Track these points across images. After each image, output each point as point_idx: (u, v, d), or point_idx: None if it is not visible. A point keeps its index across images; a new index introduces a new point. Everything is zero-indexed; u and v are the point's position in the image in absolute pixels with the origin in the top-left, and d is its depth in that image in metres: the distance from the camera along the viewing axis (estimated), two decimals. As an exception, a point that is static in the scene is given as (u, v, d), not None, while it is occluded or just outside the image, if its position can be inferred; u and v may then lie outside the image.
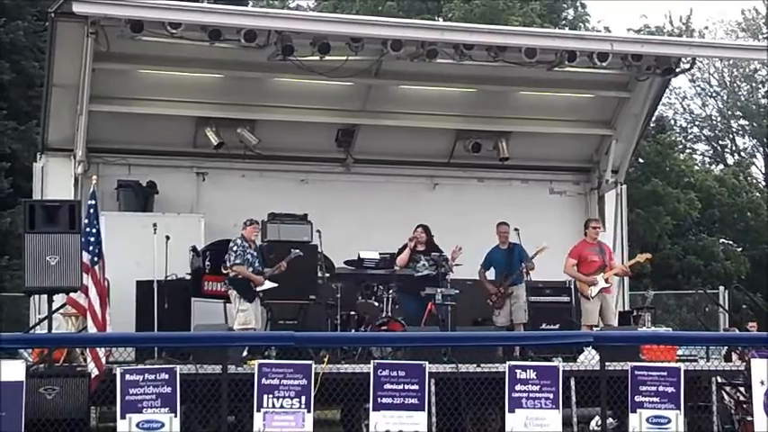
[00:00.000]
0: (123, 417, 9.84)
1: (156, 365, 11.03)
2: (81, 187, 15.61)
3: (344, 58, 15.69)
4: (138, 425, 9.81)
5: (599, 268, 15.39)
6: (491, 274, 15.87)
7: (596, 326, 15.10)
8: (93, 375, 11.84)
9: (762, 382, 10.64)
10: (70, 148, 16.04)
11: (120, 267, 14.23)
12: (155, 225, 15.14)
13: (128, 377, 9.94)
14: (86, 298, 12.38)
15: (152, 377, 9.96)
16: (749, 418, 12.68)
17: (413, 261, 15.50)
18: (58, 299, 12.83)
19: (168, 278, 15.01)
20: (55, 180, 16.19)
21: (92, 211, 12.79)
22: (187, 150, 17.46)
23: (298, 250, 14.61)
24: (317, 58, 15.55)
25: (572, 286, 16.63)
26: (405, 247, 15.68)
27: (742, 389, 14.98)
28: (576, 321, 15.77)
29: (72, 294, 12.55)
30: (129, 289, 15.00)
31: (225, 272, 14.47)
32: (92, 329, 12.24)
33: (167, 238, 14.94)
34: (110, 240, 13.53)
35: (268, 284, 14.25)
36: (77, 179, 15.82)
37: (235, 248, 14.36)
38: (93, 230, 12.62)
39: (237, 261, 14.28)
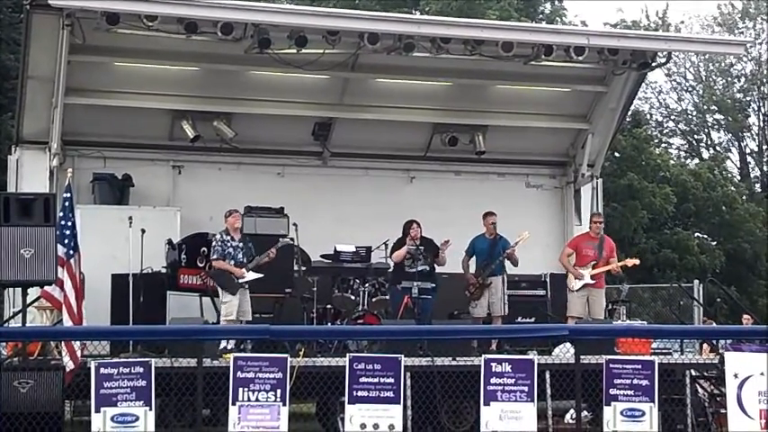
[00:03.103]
0: (98, 410, 9.81)
1: (131, 359, 11.01)
2: (56, 180, 15.54)
3: (321, 51, 15.66)
4: (112, 418, 9.78)
5: (589, 263, 15.43)
6: (473, 263, 15.86)
7: (579, 318, 15.15)
8: (68, 369, 11.79)
9: (735, 375, 10.72)
10: (45, 140, 15.94)
11: (96, 261, 14.19)
12: (130, 218, 15.10)
13: (102, 371, 9.90)
14: (61, 291, 12.32)
15: (127, 371, 9.93)
16: (722, 411, 12.76)
17: (407, 259, 15.40)
18: (33, 292, 12.78)
19: (144, 271, 14.97)
20: (30, 173, 16.09)
21: (67, 204, 12.73)
22: (163, 143, 17.41)
23: (287, 239, 14.58)
24: (294, 51, 15.52)
25: (548, 280, 16.72)
26: (401, 243, 15.53)
27: (716, 381, 15.10)
28: (551, 315, 15.82)
29: (47, 288, 12.50)
30: (105, 282, 14.95)
31: (207, 266, 14.49)
32: (67, 323, 12.18)
33: (143, 231, 14.90)
34: (85, 233, 13.49)
35: (250, 276, 14.16)
36: (52, 172, 15.75)
37: (214, 244, 14.36)
38: (69, 223, 12.56)
39: (214, 257, 14.28)
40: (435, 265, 15.46)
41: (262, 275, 14.26)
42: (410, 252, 15.28)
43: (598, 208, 18.44)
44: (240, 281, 14.12)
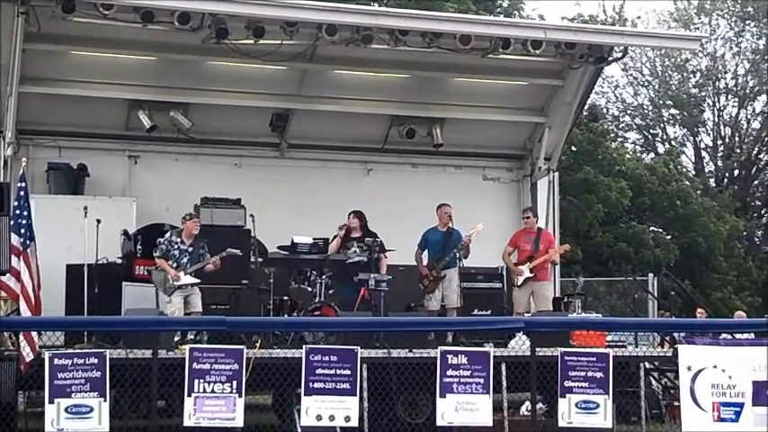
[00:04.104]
0: (51, 401, 9.72)
1: (86, 350, 10.92)
2: (10, 169, 15.38)
3: (279, 42, 15.63)
4: (66, 409, 9.70)
5: (527, 258, 15.59)
6: (426, 256, 15.88)
7: (525, 314, 15.25)
8: (27, 359, 11.66)
9: (689, 368, 10.82)
10: (0, 129, 15.79)
11: (50, 251, 14.04)
12: (85, 208, 14.96)
13: (56, 361, 9.81)
14: (17, 282, 12.21)
15: (81, 361, 9.83)
16: (676, 404, 12.88)
17: (344, 248, 15.50)
18: (-13, 283, 12.65)
19: (99, 262, 14.85)
20: (-17, 162, 15.95)
21: (22, 193, 12.63)
22: (119, 133, 17.30)
23: (236, 250, 14.44)
24: (252, 41, 15.47)
25: (504, 272, 16.77)
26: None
27: (669, 374, 15.24)
28: (507, 307, 15.89)
29: (1, 278, 12.37)
30: (59, 273, 14.82)
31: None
32: (26, 313, 12.08)
33: (98, 221, 14.77)
34: (39, 223, 13.35)
35: (186, 279, 13.98)
36: (7, 161, 15.54)
37: (161, 240, 14.21)
38: (25, 213, 12.46)
39: (157, 254, 14.14)
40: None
41: (198, 281, 14.11)
42: (367, 244, 15.31)
43: (554, 201, 18.56)
44: (175, 283, 13.98)
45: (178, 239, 14.20)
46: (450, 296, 15.50)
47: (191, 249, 14.18)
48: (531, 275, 15.54)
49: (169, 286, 13.95)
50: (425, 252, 15.91)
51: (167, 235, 14.29)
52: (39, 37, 15.13)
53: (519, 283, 15.59)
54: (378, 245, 15.32)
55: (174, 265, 14.04)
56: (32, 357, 11.62)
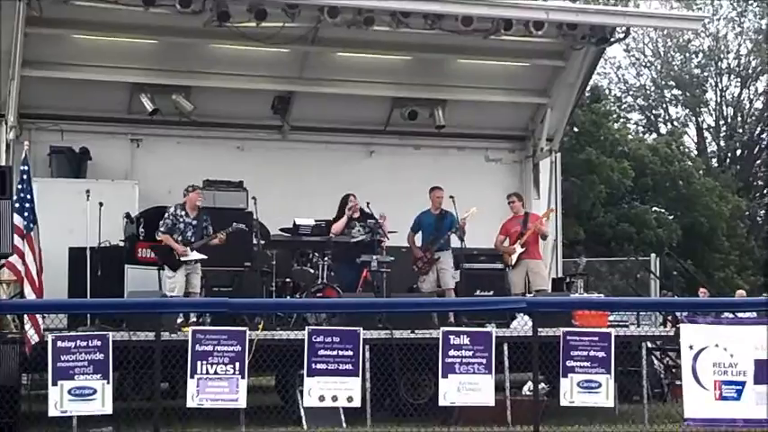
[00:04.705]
0: (55, 383, 9.80)
1: (89, 332, 10.97)
2: (13, 153, 15.42)
3: (281, 24, 15.63)
4: (69, 391, 9.78)
5: (517, 238, 15.60)
6: (419, 239, 15.92)
7: (523, 294, 15.25)
8: (33, 341, 11.70)
9: (690, 347, 10.87)
10: (2, 113, 15.74)
11: (53, 234, 14.07)
12: (88, 191, 14.99)
13: (59, 344, 9.89)
14: (23, 264, 12.24)
15: (84, 344, 9.92)
16: (678, 383, 12.92)
17: (348, 228, 15.53)
18: (-10, 265, 12.69)
19: (102, 245, 14.88)
20: (-15, 145, 15.97)
21: (25, 176, 12.66)
22: (121, 116, 17.33)
23: (242, 225, 14.44)
24: (254, 24, 15.48)
25: (505, 254, 16.80)
26: (340, 215, 15.67)
27: (671, 354, 15.29)
28: (509, 288, 15.92)
29: (10, 259, 12.39)
30: (62, 256, 14.83)
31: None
32: (30, 296, 12.11)
33: (101, 204, 14.80)
34: (42, 207, 13.34)
35: (193, 255, 13.99)
36: (9, 145, 15.60)
37: (166, 216, 14.18)
38: (28, 196, 12.50)
39: (162, 229, 14.08)
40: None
41: (205, 257, 14.09)
42: (369, 226, 15.34)
43: (556, 182, 18.56)
44: (182, 259, 13.99)
45: (183, 212, 14.17)
46: (444, 278, 15.54)
47: (195, 223, 14.18)
48: (523, 250, 15.53)
49: (174, 261, 13.95)
50: (418, 235, 15.93)
51: (171, 209, 14.24)
52: (40, 21, 15.14)
53: (513, 262, 15.58)
54: (379, 226, 15.35)
55: (180, 239, 14.06)
56: (37, 340, 11.65)
